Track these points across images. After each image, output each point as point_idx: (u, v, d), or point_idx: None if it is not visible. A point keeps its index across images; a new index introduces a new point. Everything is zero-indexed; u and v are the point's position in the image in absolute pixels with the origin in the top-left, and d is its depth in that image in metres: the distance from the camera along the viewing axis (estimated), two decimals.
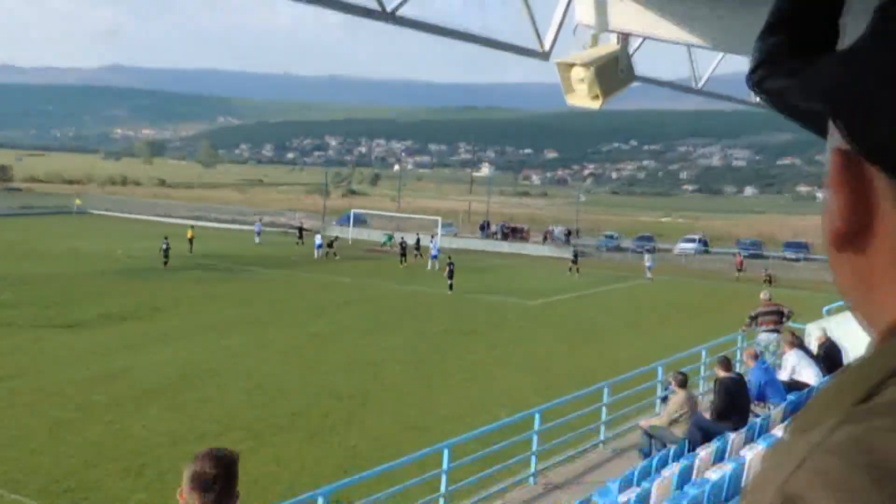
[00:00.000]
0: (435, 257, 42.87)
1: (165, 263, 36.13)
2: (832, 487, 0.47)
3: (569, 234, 61.97)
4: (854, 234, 0.61)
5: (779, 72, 1.00)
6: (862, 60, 0.61)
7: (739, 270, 46.43)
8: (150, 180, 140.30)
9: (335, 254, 45.41)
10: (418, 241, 47.56)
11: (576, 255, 46.13)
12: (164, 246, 36.63)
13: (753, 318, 15.16)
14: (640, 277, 44.10)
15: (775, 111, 1.02)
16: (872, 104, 0.58)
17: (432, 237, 49.01)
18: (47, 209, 70.77)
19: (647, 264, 46.07)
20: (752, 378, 11.19)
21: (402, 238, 47.21)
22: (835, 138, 0.64)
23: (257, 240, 51.93)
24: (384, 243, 52.43)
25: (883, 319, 0.60)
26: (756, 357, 11.81)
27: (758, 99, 1.03)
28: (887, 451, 0.48)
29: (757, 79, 1.04)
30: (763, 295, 16.24)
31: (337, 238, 49.14)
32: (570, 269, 43.94)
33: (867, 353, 0.59)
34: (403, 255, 44.28)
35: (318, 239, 47.07)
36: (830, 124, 0.65)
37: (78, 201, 71.92)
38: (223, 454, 2.99)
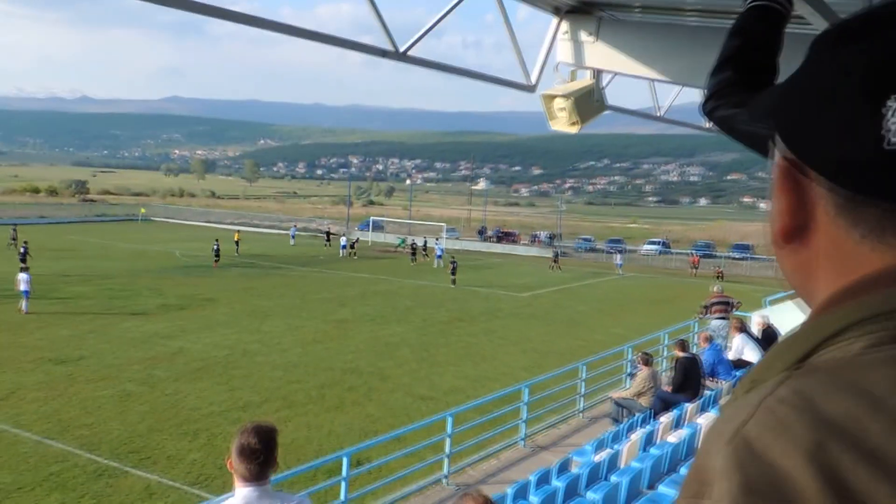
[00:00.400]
0: (440, 256, 42.67)
1: (216, 262, 36.09)
2: (778, 430, 0.49)
3: (552, 237, 61.88)
4: (796, 230, 0.62)
5: (727, 102, 1.00)
6: (798, 86, 0.63)
7: (694, 268, 46.29)
8: (203, 192, 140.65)
9: (356, 254, 45.30)
10: (426, 243, 47.41)
11: (556, 255, 46.08)
12: (215, 247, 36.58)
13: (706, 308, 15.10)
14: (612, 273, 43.97)
15: (724, 134, 1.02)
16: (806, 121, 0.60)
17: (437, 240, 48.92)
18: (117, 217, 70.94)
19: (618, 262, 46.05)
20: (705, 357, 11.16)
21: (413, 241, 47.09)
22: (778, 150, 0.64)
23: (292, 242, 51.74)
24: (398, 245, 52.29)
25: (819, 299, 0.62)
26: (708, 340, 11.78)
27: (710, 124, 1.03)
28: (821, 400, 0.50)
29: (709, 108, 1.05)
30: (714, 288, 16.20)
31: (358, 240, 49.09)
32: (552, 267, 43.89)
33: (803, 325, 0.60)
34: (413, 254, 44.13)
35: (343, 241, 47.03)
36: (775, 139, 0.65)
37: (143, 210, 72.01)
38: (265, 428, 2.97)
